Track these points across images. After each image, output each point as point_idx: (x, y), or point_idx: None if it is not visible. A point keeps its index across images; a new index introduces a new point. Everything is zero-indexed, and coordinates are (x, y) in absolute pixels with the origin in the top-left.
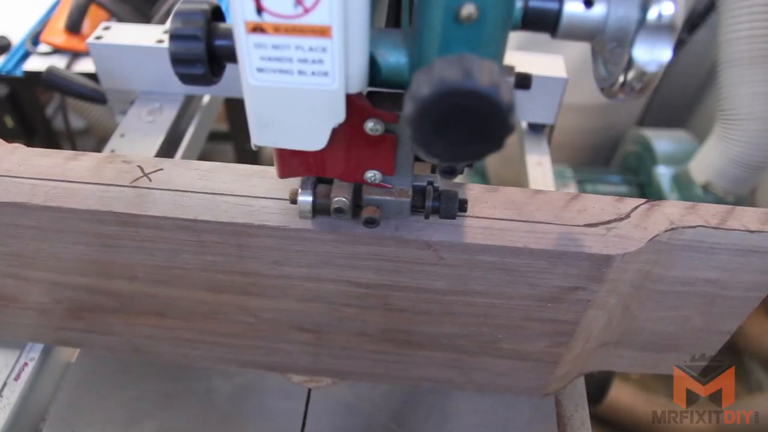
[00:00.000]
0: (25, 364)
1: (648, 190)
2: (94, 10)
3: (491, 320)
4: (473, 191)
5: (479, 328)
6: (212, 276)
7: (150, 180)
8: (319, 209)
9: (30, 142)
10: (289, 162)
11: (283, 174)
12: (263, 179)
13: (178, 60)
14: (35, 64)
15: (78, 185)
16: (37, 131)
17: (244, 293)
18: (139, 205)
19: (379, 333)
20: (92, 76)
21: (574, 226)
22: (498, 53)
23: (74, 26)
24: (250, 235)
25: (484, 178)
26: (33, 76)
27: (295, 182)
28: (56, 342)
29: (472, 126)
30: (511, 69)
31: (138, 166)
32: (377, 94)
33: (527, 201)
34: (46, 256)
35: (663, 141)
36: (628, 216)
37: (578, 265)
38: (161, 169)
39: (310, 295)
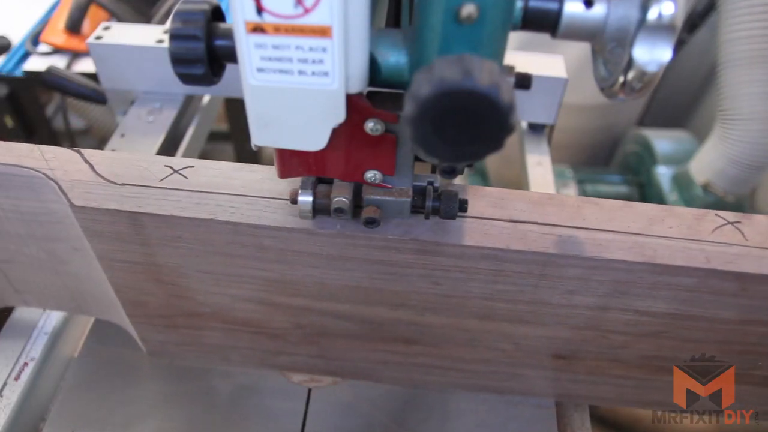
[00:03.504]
0: (25, 364)
1: (648, 190)
2: (94, 10)
3: (762, 348)
4: (767, 224)
5: (743, 355)
6: (491, 304)
7: None
8: (319, 209)
9: (29, 142)
10: (290, 162)
11: (283, 174)
12: (560, 208)
13: (178, 60)
14: (35, 64)
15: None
16: (37, 131)
17: (517, 321)
18: (443, 232)
19: (637, 359)
20: (92, 76)
21: None
22: (498, 53)
23: (74, 26)
24: (558, 265)
25: (484, 178)
26: (33, 76)
27: (295, 182)
28: (337, 374)
29: (472, 126)
30: (511, 69)
31: None
32: (377, 94)
33: None
34: (311, 282)
35: (663, 141)
36: None
37: None
38: None
39: (586, 323)
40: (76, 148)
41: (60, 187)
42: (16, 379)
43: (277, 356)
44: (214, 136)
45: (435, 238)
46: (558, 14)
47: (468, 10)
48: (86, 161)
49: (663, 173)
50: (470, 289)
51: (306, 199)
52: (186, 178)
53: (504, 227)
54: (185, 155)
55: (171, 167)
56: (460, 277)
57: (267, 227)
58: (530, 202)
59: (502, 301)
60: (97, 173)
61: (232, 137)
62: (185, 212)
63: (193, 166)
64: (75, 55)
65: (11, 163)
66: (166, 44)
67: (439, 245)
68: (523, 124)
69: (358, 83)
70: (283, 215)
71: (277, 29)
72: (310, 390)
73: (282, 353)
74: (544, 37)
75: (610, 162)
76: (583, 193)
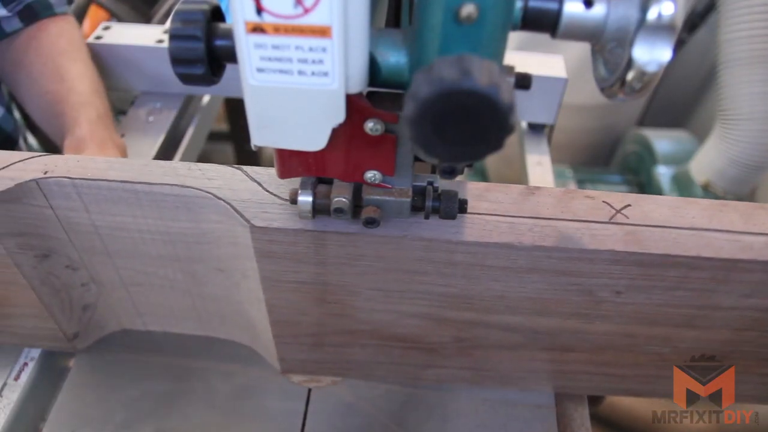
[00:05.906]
0: (25, 364)
1: (648, 190)
2: (94, 10)
3: None
4: None
5: None
6: (665, 310)
7: (627, 217)
8: (319, 209)
9: (29, 142)
10: (289, 162)
11: (283, 174)
12: (733, 214)
13: (178, 60)
14: None
15: (558, 222)
16: (37, 131)
17: (684, 325)
18: (635, 242)
19: None
20: None
21: None
22: (498, 53)
23: None
24: (743, 271)
25: (484, 178)
26: None
27: (295, 182)
28: (480, 383)
29: (472, 126)
30: (511, 69)
31: (604, 201)
32: (377, 94)
33: None
34: (489, 296)
35: (663, 141)
36: None
37: None
38: (629, 205)
39: (751, 325)
40: (237, 166)
41: (234, 208)
42: (16, 379)
43: (424, 370)
44: (214, 136)
45: (628, 248)
46: (558, 14)
47: (468, 10)
48: (253, 179)
49: (663, 173)
50: (650, 296)
51: (306, 199)
52: None
53: (689, 235)
54: (185, 155)
55: None
56: (642, 285)
57: (463, 243)
58: (702, 209)
59: (677, 306)
60: (269, 192)
61: (232, 137)
62: (377, 230)
63: None
64: None
65: (174, 183)
66: (166, 44)
67: (633, 255)
68: (523, 124)
69: (358, 83)
70: (478, 230)
71: (277, 29)
72: (310, 390)
73: (431, 367)
74: (544, 37)
75: (610, 162)
76: None
